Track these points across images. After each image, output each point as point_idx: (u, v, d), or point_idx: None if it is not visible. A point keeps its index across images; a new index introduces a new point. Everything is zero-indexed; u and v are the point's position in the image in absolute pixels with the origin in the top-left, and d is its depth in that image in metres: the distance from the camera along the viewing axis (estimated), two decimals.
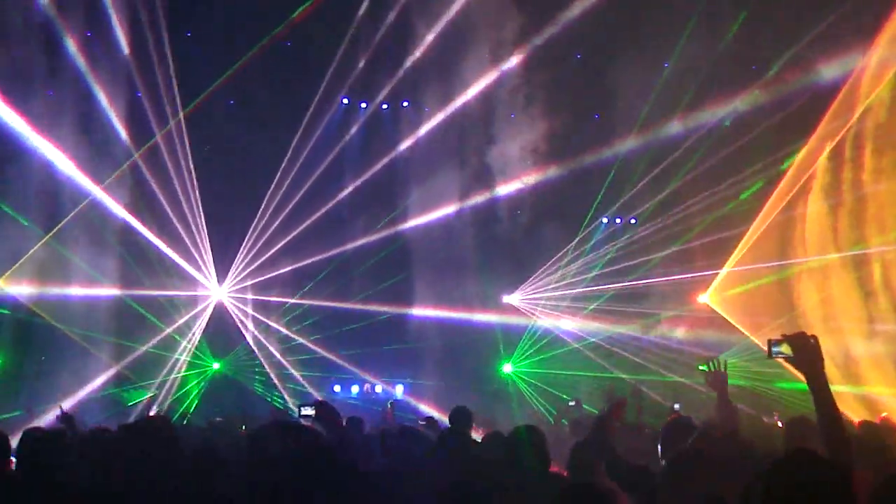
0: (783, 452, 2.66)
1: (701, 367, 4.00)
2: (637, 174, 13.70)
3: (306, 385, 15.16)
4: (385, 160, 13.89)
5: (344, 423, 5.56)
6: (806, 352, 2.97)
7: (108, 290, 13.58)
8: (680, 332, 14.67)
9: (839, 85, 11.60)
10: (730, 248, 14.12)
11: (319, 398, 10.70)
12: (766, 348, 3.20)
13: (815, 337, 3.00)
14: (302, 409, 6.70)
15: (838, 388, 11.14)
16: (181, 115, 12.80)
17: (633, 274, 14.62)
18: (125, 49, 12.50)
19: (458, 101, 13.01)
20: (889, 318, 11.61)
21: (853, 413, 10.21)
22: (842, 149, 12.06)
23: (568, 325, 15.29)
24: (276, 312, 15.48)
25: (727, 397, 4.29)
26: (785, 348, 3.02)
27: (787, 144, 12.77)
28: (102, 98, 12.76)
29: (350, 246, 14.53)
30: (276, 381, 15.33)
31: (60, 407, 6.51)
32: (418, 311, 14.72)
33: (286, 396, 15.18)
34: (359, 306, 14.60)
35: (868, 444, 4.20)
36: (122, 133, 13.06)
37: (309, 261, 14.37)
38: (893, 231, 11.43)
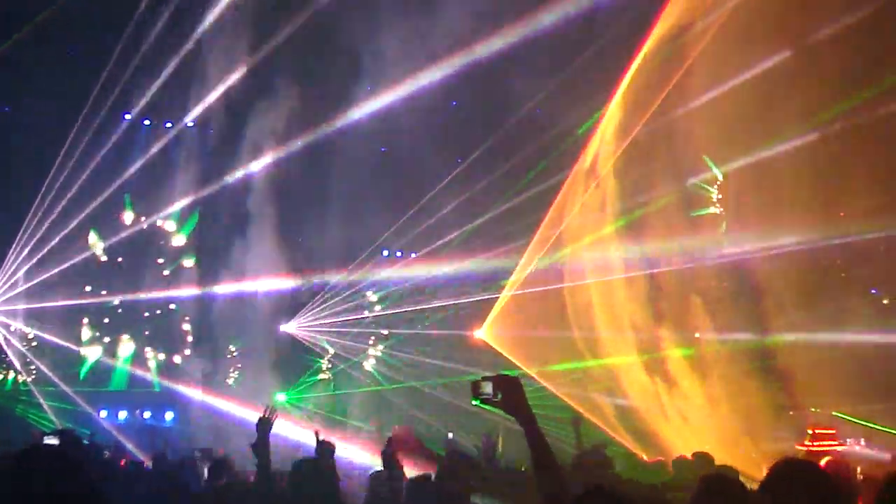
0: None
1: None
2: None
3: (80, 402, 14.51)
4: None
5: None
6: (509, 393, 2.94)
7: None
8: None
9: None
10: (502, 284, 14.50)
11: (62, 427, 10.36)
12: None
13: (516, 379, 3.01)
14: (45, 438, 6.57)
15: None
16: None
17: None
18: None
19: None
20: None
21: None
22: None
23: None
24: (50, 322, 14.96)
25: (266, 440, 4.26)
26: (488, 390, 2.95)
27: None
28: None
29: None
30: (42, 401, 14.61)
31: None
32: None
33: (54, 418, 14.42)
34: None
35: None
36: None
37: (81, 257, 14.22)
38: None
